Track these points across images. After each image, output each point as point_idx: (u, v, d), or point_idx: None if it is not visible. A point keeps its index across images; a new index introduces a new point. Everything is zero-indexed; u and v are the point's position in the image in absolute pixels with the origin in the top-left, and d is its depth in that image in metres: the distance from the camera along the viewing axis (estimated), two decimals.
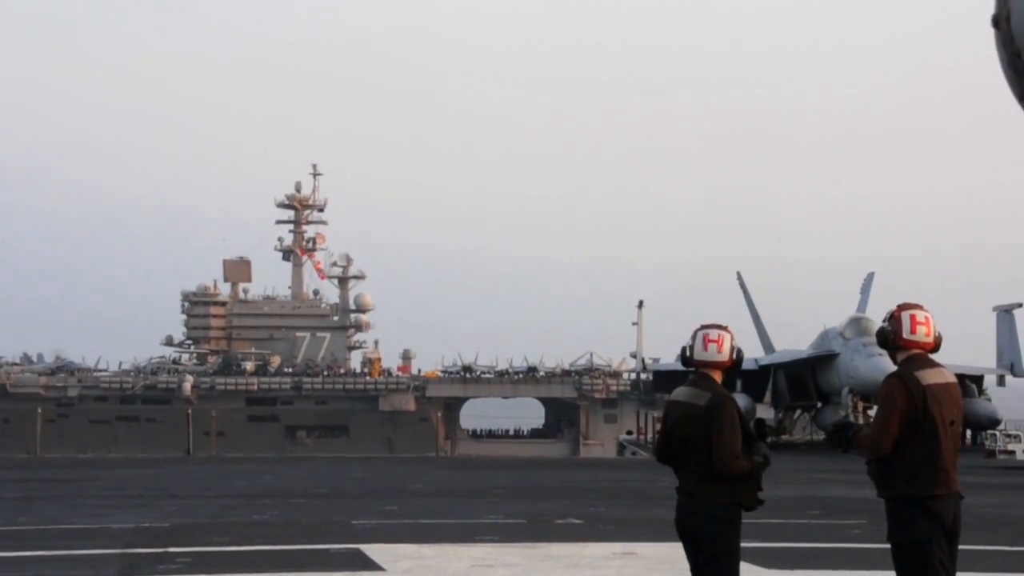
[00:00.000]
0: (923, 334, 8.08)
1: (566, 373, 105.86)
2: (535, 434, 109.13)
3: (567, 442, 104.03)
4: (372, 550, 15.37)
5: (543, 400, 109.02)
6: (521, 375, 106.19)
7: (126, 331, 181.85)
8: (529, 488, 27.96)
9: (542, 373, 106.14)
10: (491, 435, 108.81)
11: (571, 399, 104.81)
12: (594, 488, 28.13)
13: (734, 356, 8.52)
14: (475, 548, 15.73)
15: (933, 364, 8.07)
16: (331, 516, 20.67)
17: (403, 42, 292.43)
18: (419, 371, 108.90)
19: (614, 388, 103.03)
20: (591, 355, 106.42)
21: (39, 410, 64.94)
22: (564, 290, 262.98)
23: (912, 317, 8.10)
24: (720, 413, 8.26)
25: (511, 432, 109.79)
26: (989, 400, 55.53)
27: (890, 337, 8.16)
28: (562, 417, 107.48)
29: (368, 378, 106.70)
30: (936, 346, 8.14)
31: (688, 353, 8.53)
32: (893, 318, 8.16)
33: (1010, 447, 48.54)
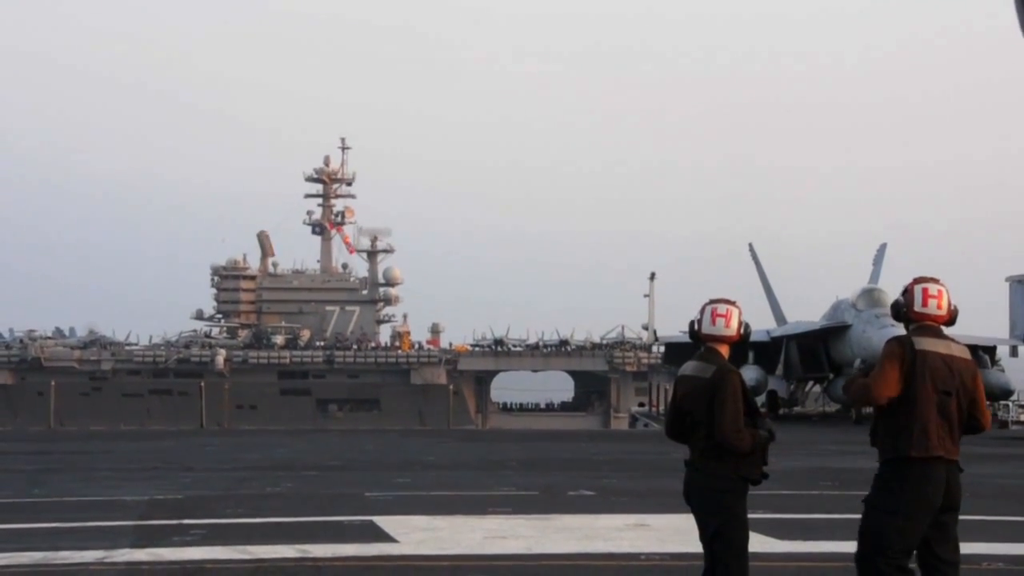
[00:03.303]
0: (935, 307, 8.10)
1: (597, 346, 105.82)
2: (565, 407, 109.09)
3: (598, 415, 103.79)
4: (385, 522, 15.43)
5: (573, 373, 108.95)
6: (552, 348, 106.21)
7: (155, 305, 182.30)
8: (542, 460, 28.00)
9: (573, 346, 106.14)
10: (522, 408, 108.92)
11: (602, 372, 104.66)
12: (606, 460, 28.16)
13: (742, 331, 8.56)
14: (488, 520, 15.78)
15: (940, 335, 8.08)
16: (344, 488, 20.74)
17: (431, 16, 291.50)
18: (450, 344, 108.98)
19: (645, 361, 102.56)
20: (622, 328, 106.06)
21: (52, 383, 65.18)
22: (596, 263, 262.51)
23: (925, 291, 8.14)
24: (723, 386, 8.29)
25: (542, 405, 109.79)
26: (1002, 371, 55.49)
27: (903, 310, 8.22)
28: (592, 390, 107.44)
29: (400, 352, 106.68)
30: (950, 320, 8.15)
31: (696, 327, 8.57)
32: (907, 291, 8.21)
33: (1023, 418, 48.48)
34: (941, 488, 7.94)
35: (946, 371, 7.99)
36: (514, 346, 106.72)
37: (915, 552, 8.10)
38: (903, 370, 7.96)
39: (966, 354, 8.14)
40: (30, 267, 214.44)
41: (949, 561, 8.06)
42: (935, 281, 8.21)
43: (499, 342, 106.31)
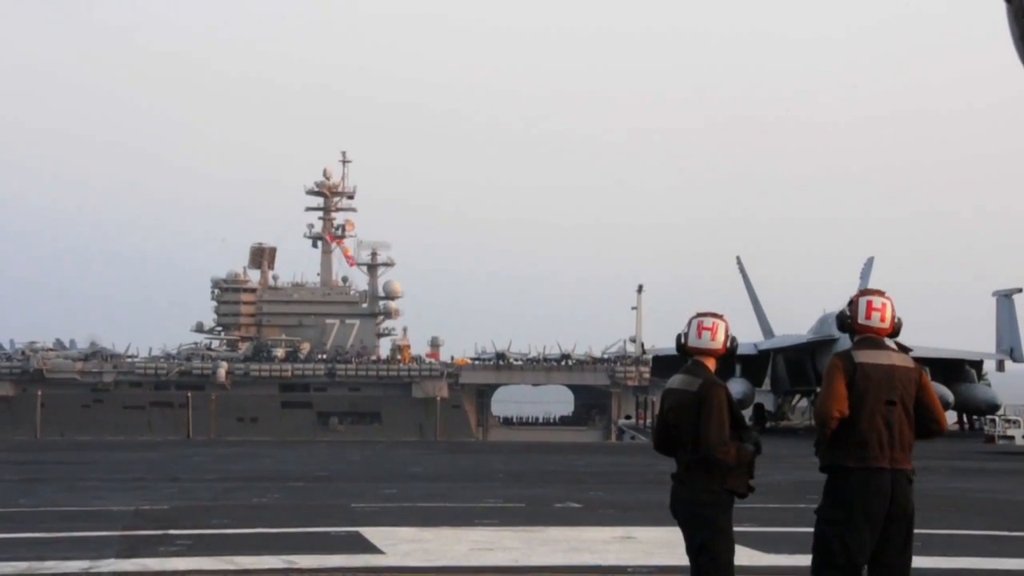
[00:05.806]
0: (878, 319, 8.22)
1: (598, 360, 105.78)
2: (565, 421, 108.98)
3: (599, 429, 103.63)
4: (372, 533, 15.39)
5: (572, 387, 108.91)
6: (553, 362, 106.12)
7: (154, 318, 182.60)
8: (528, 472, 27.97)
9: (574, 361, 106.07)
10: (523, 422, 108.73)
11: (603, 386, 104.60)
12: (593, 472, 28.14)
13: (728, 344, 8.58)
14: (474, 532, 15.75)
15: (881, 346, 8.19)
16: (331, 499, 20.71)
17: (430, 36, 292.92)
18: (451, 358, 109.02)
19: (647, 375, 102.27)
20: (624, 342, 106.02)
21: (39, 392, 65.07)
22: (598, 277, 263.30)
23: (869, 303, 8.26)
24: (709, 399, 8.30)
25: (542, 419, 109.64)
26: (989, 385, 55.55)
27: (847, 321, 8.34)
28: (592, 404, 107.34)
29: (402, 365, 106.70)
30: (894, 332, 8.27)
31: (683, 340, 8.59)
32: (852, 303, 8.34)
33: (1009, 432, 48.44)
34: (885, 498, 7.97)
35: (888, 381, 8.07)
36: (515, 360, 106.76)
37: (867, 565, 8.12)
38: (847, 384, 8.06)
39: (908, 363, 8.23)
40: (31, 279, 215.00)
41: (896, 566, 8.07)
42: (880, 294, 8.35)
43: (501, 356, 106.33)
